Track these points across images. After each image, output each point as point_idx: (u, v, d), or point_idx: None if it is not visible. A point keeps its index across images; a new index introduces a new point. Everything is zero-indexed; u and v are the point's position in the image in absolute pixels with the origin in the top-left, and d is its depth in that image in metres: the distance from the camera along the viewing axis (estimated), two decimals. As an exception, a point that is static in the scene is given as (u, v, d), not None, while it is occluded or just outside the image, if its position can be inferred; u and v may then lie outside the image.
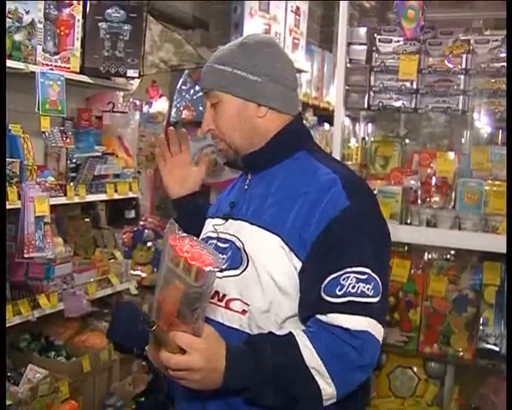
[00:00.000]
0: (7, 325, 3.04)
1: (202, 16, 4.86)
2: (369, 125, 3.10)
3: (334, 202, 1.57)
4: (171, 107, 4.97)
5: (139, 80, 4.33)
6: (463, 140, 2.92)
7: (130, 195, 3.89)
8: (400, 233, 2.75)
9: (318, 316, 1.54)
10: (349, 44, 2.84)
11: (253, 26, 4.91)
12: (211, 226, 1.80)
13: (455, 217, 2.69)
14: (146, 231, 4.76)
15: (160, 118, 4.98)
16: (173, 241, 1.43)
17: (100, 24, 3.51)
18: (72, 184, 3.43)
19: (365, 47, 2.82)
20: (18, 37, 3.13)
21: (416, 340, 2.80)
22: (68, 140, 3.61)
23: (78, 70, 3.48)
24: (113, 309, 2.92)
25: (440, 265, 2.83)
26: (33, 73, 3.16)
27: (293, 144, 1.72)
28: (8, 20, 3.03)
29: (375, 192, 2.82)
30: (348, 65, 2.84)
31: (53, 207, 3.42)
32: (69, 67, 3.43)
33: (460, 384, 2.89)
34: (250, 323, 1.60)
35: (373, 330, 1.53)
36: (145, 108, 5.13)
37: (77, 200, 3.48)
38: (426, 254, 2.90)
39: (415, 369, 2.95)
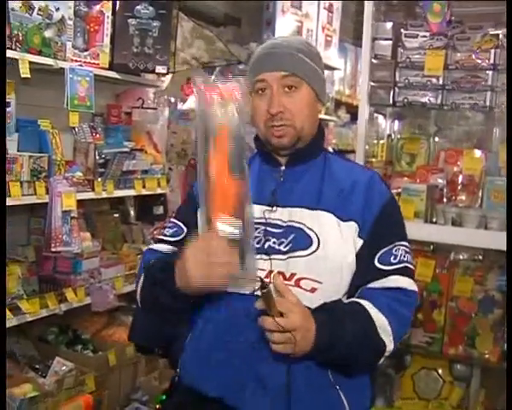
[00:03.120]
0: (34, 318, 3.09)
1: (234, 13, 4.85)
2: (396, 121, 3.05)
3: (381, 191, 1.84)
4: (202, 104, 4.97)
5: (170, 77, 4.36)
6: (492, 138, 2.85)
7: (159, 191, 3.91)
8: (425, 232, 2.70)
9: (374, 284, 1.76)
10: (374, 40, 2.80)
11: (285, 23, 4.89)
12: (257, 213, 1.78)
13: (481, 216, 2.63)
14: (177, 227, 4.77)
15: (191, 115, 4.98)
16: (206, 89, 1.50)
17: (129, 20, 3.53)
18: (100, 179, 3.45)
19: (391, 42, 2.78)
20: (48, 33, 3.17)
21: (440, 341, 2.75)
22: (97, 136, 3.64)
23: (107, 66, 3.51)
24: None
25: (466, 265, 2.77)
26: (62, 69, 3.20)
27: (322, 145, 1.92)
28: (38, 16, 3.07)
29: (399, 190, 2.79)
30: (373, 60, 2.80)
31: (81, 203, 3.46)
32: (98, 64, 3.46)
33: (486, 387, 2.82)
34: (318, 300, 1.71)
35: (416, 288, 1.82)
36: (179, 106, 5.15)
37: (105, 195, 3.50)
38: (452, 254, 2.83)
39: (440, 371, 2.90)
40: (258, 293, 1.53)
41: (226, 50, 4.65)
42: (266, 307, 1.51)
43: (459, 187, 2.69)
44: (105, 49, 3.48)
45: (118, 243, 3.90)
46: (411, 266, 1.83)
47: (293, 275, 1.72)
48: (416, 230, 2.71)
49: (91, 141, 3.53)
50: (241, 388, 1.70)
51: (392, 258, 1.78)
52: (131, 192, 3.73)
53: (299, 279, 1.72)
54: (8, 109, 3.11)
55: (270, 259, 1.73)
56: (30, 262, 3.24)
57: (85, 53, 3.39)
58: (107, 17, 3.46)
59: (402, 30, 2.76)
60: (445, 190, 2.72)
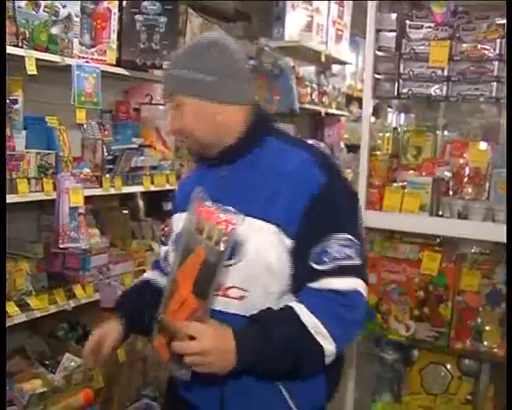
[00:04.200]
0: (43, 314, 3.10)
1: (244, 9, 4.84)
2: (402, 114, 3.02)
3: (313, 180, 1.69)
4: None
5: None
6: (499, 129, 2.81)
7: (168, 187, 3.91)
8: (431, 225, 2.67)
9: (310, 284, 1.67)
10: (379, 31, 2.77)
11: (295, 17, 4.87)
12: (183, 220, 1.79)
13: (488, 209, 2.60)
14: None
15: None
16: (199, 208, 1.55)
17: (136, 17, 3.53)
18: (108, 175, 3.46)
19: (395, 34, 2.75)
20: (54, 30, 3.18)
21: (446, 336, 2.71)
22: (106, 132, 3.66)
23: (114, 63, 3.52)
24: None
25: (474, 258, 2.73)
26: (69, 65, 3.21)
27: (262, 132, 1.81)
28: (44, 13, 3.08)
29: (405, 183, 2.77)
30: (378, 52, 2.77)
31: (90, 199, 3.46)
32: (105, 60, 3.47)
33: (495, 382, 2.79)
34: (248, 307, 1.69)
35: (360, 287, 1.69)
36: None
37: (113, 191, 3.51)
38: (458, 247, 2.80)
39: (448, 366, 2.87)
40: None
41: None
42: (171, 334, 1.55)
43: (465, 179, 2.66)
44: (112, 45, 3.48)
45: (127, 239, 3.91)
46: (348, 262, 1.68)
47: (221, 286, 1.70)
48: (422, 223, 2.70)
49: (99, 137, 3.54)
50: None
51: (324, 256, 1.67)
52: (140, 188, 3.74)
53: (228, 288, 1.70)
54: (15, 106, 3.13)
55: None
56: (39, 259, 3.24)
57: (92, 49, 3.40)
58: (114, 14, 3.47)
59: (406, 21, 2.73)
60: (450, 183, 2.69)
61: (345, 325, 1.67)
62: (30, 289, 3.07)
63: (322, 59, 5.21)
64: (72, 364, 3.23)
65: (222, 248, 1.52)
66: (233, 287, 1.69)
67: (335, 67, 5.91)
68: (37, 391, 2.99)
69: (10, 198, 2.89)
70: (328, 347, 1.63)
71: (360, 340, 2.87)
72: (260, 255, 1.67)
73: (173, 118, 1.79)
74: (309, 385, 1.75)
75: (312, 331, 1.62)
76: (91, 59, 3.36)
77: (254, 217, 1.68)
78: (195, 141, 1.79)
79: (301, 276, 1.69)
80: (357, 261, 1.69)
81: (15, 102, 3.13)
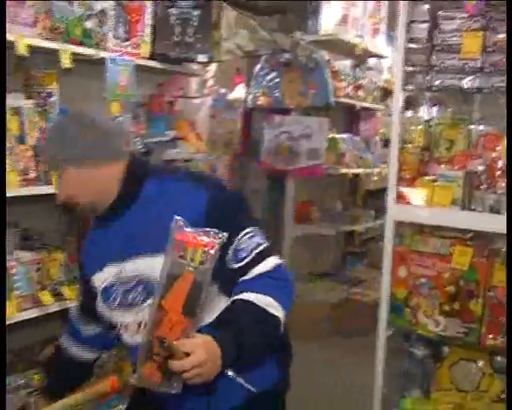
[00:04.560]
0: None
1: (279, 2, 4.83)
2: (434, 107, 2.97)
3: (197, 204, 1.85)
4: (247, 93, 4.98)
5: (215, 66, 4.38)
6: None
7: (201, 180, 3.92)
8: (462, 219, 2.63)
9: (242, 278, 1.85)
10: (411, 23, 2.73)
11: (330, 11, 4.84)
12: (107, 275, 1.99)
13: (521, 203, 2.54)
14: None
15: (237, 104, 5.01)
16: (179, 236, 1.65)
17: (170, 10, 3.56)
18: (141, 168, 3.49)
19: (427, 25, 2.70)
20: (89, 24, 3.22)
21: (477, 332, 2.66)
22: (140, 125, 3.70)
23: (148, 56, 3.55)
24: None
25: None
26: (103, 59, 3.25)
27: (141, 178, 1.95)
28: (79, 8, 3.12)
29: (436, 177, 2.73)
30: (409, 44, 2.73)
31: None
32: (139, 53, 3.50)
33: (528, 380, 2.73)
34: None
35: (279, 261, 1.92)
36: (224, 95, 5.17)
37: (146, 184, 3.54)
38: (491, 242, 2.75)
39: (479, 363, 2.82)
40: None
41: (271, 39, 4.64)
42: (171, 354, 1.63)
43: (498, 173, 2.60)
44: (146, 38, 3.52)
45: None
46: (261, 247, 1.88)
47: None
48: (453, 217, 2.66)
49: (133, 131, 3.58)
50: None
51: (241, 253, 1.85)
52: (173, 181, 3.76)
53: None
54: (51, 100, 3.18)
55: (135, 312, 1.93)
56: (71, 249, 3.28)
57: (126, 43, 3.43)
58: (148, 7, 3.50)
59: (439, 12, 2.68)
60: (483, 177, 2.63)
61: (285, 292, 1.88)
62: (62, 279, 3.12)
63: (358, 52, 5.16)
64: (103, 355, 3.28)
65: (208, 266, 1.64)
66: None
67: (372, 61, 5.86)
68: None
69: (45, 190, 2.94)
70: (281, 315, 1.83)
71: (389, 335, 2.84)
72: None
73: (59, 189, 1.95)
74: (260, 369, 1.95)
75: (268, 308, 1.80)
76: (125, 52, 3.39)
77: (159, 252, 1.76)
78: (83, 205, 1.93)
79: (228, 280, 1.86)
80: (266, 244, 1.90)
81: (50, 95, 3.18)
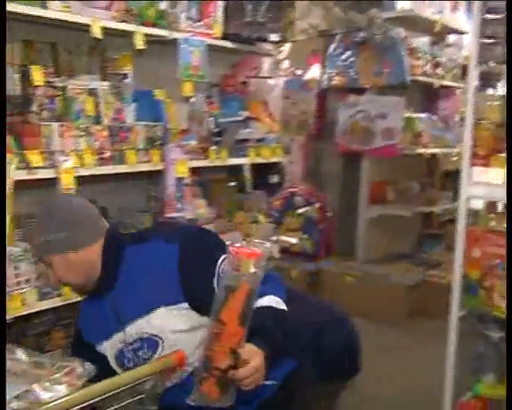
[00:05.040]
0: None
1: (354, -20, 4.75)
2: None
3: (168, 257, 2.02)
4: (323, 73, 4.93)
5: (289, 46, 4.36)
6: None
7: (273, 159, 3.94)
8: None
9: None
10: (489, -8, 2.62)
11: (406, -13, 4.73)
12: (113, 344, 2.12)
13: None
14: (297, 197, 4.79)
15: (312, 85, 4.97)
16: (233, 250, 1.78)
17: (242, -10, 3.56)
18: (214, 147, 3.53)
19: (506, -7, 2.59)
20: (162, 6, 3.27)
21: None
22: (213, 105, 3.73)
23: (220, 36, 3.57)
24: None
25: None
26: (176, 39, 3.29)
27: (119, 248, 2.08)
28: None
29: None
30: (486, 15, 2.62)
31: (197, 171, 3.56)
32: (212, 34, 3.53)
33: None
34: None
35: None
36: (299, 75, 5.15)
37: (218, 163, 3.58)
38: None
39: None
40: None
41: (345, 18, 4.57)
42: (233, 365, 1.74)
43: None
44: (218, 19, 3.54)
45: (234, 210, 3.97)
46: None
47: None
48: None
49: (207, 110, 3.61)
50: None
51: None
52: (245, 160, 3.79)
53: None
54: (126, 81, 3.26)
55: None
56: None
57: (199, 23, 3.47)
58: (220, -13, 3.52)
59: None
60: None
61: (277, 287, 2.04)
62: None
63: (437, 29, 5.03)
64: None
65: (259, 273, 1.76)
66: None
67: (451, 38, 5.68)
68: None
69: (120, 168, 3.02)
70: (285, 307, 1.98)
71: (462, 316, 2.77)
72: (173, 330, 2.01)
73: (52, 274, 2.08)
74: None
75: (278, 306, 1.96)
76: (198, 33, 3.43)
77: (150, 310, 2.01)
78: (74, 285, 2.11)
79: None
80: None
81: (125, 76, 3.26)
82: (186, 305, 2.01)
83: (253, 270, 1.76)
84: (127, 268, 2.07)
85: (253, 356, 1.77)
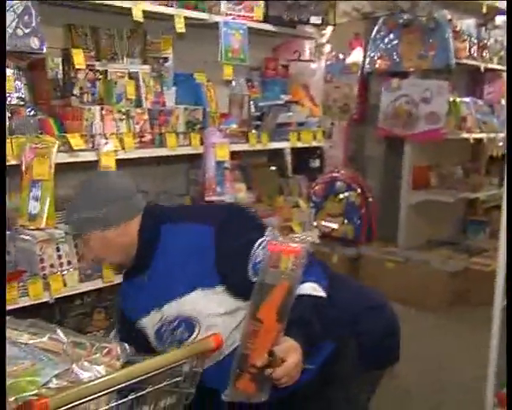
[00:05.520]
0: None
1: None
2: None
3: (206, 238, 2.00)
4: (365, 57, 4.87)
5: (331, 30, 4.31)
6: None
7: (314, 144, 3.90)
8: None
9: None
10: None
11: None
12: (153, 321, 2.13)
13: None
14: (338, 182, 4.75)
15: (354, 69, 4.92)
16: (272, 248, 1.78)
17: (283, -28, 3.52)
18: (254, 131, 3.51)
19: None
20: (214, -11, 3.25)
21: None
22: (254, 89, 3.71)
23: (261, 19, 3.54)
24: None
25: None
26: (217, 23, 3.27)
27: (157, 227, 2.08)
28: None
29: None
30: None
31: (238, 155, 3.54)
32: (253, 17, 3.50)
33: None
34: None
35: None
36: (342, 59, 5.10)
37: (259, 147, 3.56)
38: None
39: None
40: None
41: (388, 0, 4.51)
42: (270, 366, 1.71)
43: None
44: (259, 1, 3.50)
45: (274, 195, 3.95)
46: None
47: None
48: None
49: (247, 94, 3.59)
50: None
51: (259, 266, 1.90)
52: (286, 145, 3.76)
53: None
54: (166, 64, 3.26)
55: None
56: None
57: (240, 6, 3.44)
58: (261, -31, 3.48)
59: None
60: None
61: (319, 274, 2.00)
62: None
63: (484, 10, 4.91)
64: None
65: (299, 271, 1.74)
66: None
67: (499, 19, 5.54)
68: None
69: (160, 152, 3.03)
70: (325, 294, 1.95)
71: (505, 305, 2.71)
72: (210, 313, 2.01)
73: (86, 252, 2.15)
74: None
75: (316, 293, 1.92)
76: (238, 16, 3.40)
77: (188, 291, 2.01)
78: (111, 262, 2.21)
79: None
80: None
81: (166, 60, 3.26)
82: (222, 288, 2.01)
83: (292, 267, 1.73)
84: (164, 247, 2.06)
85: (291, 353, 1.75)
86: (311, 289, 1.92)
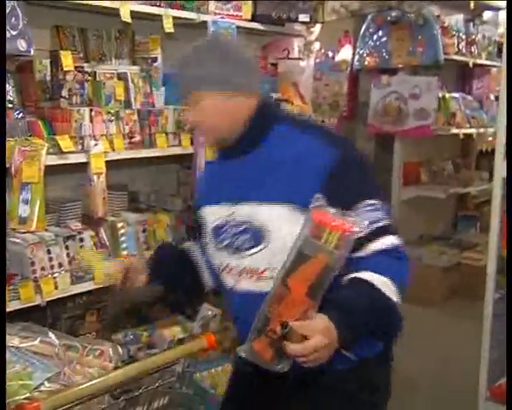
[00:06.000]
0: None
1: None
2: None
3: (325, 159, 1.77)
4: (354, 54, 4.86)
5: (320, 27, 4.31)
6: None
7: (304, 142, 3.90)
8: None
9: (356, 254, 1.70)
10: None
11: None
12: (217, 214, 1.94)
13: None
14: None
15: (343, 66, 4.91)
16: (317, 214, 1.57)
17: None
18: (244, 130, 3.50)
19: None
20: (191, -13, 3.25)
21: None
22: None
23: (249, 18, 3.54)
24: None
25: None
26: (205, 22, 3.27)
27: (270, 121, 1.88)
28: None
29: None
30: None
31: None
32: (241, 15, 3.51)
33: None
34: None
35: (398, 241, 1.78)
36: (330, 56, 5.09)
37: (249, 146, 3.55)
38: None
39: None
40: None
41: (376, -3, 4.51)
42: (289, 339, 1.54)
43: None
44: (248, 0, 3.50)
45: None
46: (381, 223, 1.75)
47: (254, 271, 1.86)
48: None
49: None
50: None
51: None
52: (276, 143, 3.75)
53: (261, 272, 1.84)
54: (155, 64, 3.25)
55: (240, 257, 1.87)
56: (178, 211, 3.36)
57: (228, 5, 3.44)
58: (249, -32, 3.48)
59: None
60: None
61: (403, 276, 1.76)
62: (169, 240, 3.19)
63: (472, 6, 4.92)
64: (209, 313, 3.35)
65: (343, 253, 1.56)
66: (266, 269, 1.83)
67: (487, 14, 5.56)
68: (177, 337, 3.13)
69: (150, 152, 3.02)
70: (397, 298, 1.71)
71: (498, 299, 2.73)
72: (287, 236, 1.73)
73: (192, 113, 1.91)
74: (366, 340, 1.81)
75: (386, 291, 1.68)
76: (227, 15, 3.40)
77: (275, 201, 1.78)
78: (213, 133, 1.91)
79: None
80: (388, 221, 1.78)
81: (155, 60, 3.25)
82: None
83: (335, 244, 1.55)
84: (270, 144, 1.87)
85: (316, 334, 1.54)
86: (382, 283, 1.69)
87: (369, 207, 1.74)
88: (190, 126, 1.95)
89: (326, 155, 1.78)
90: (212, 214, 1.97)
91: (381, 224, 1.75)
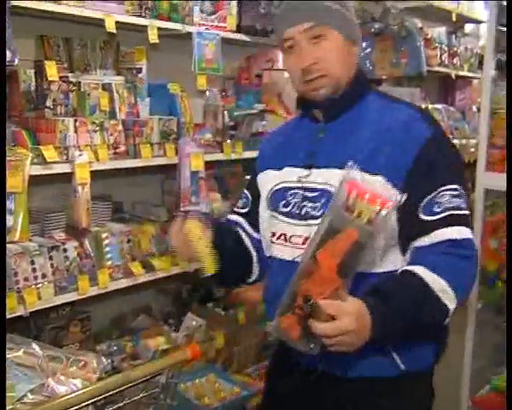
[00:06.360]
0: (165, 275, 3.20)
1: (369, -31, 4.70)
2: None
3: (418, 135, 1.69)
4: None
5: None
6: None
7: (289, 152, 3.91)
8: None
9: (422, 239, 1.64)
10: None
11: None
12: (285, 177, 1.83)
13: None
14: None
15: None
16: (350, 185, 1.46)
17: (257, -19, 3.54)
18: (229, 141, 3.51)
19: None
20: (176, -1, 3.26)
21: None
22: (228, 98, 3.72)
23: (234, 29, 3.56)
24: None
25: None
26: (190, 33, 3.28)
27: (364, 87, 1.83)
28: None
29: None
30: (504, 1, 2.59)
31: (213, 164, 3.55)
32: (226, 27, 3.52)
33: None
34: None
35: (472, 236, 1.67)
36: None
37: (233, 157, 3.56)
38: None
39: None
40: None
41: (360, 8, 4.53)
42: (315, 317, 1.45)
43: None
44: (232, 11, 3.52)
45: (250, 204, 3.95)
46: (460, 211, 1.65)
47: None
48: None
49: (221, 104, 3.60)
50: None
51: (435, 207, 1.64)
52: (260, 154, 3.76)
53: None
54: (140, 75, 3.25)
55: (306, 225, 1.73)
56: (163, 222, 3.35)
57: (213, 17, 3.44)
58: (234, -21, 3.50)
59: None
60: None
61: (466, 280, 1.66)
62: (153, 251, 3.18)
63: (454, 18, 4.98)
64: (194, 323, 3.37)
65: (376, 228, 1.45)
66: None
67: (468, 27, 5.64)
68: (161, 348, 3.13)
69: (134, 163, 3.02)
70: (452, 305, 1.60)
71: (480, 308, 2.75)
72: None
73: (309, 51, 1.72)
74: (418, 344, 1.75)
75: (440, 294, 1.57)
76: (211, 26, 3.42)
77: (364, 171, 1.58)
78: (331, 75, 1.75)
79: (409, 229, 1.67)
80: (466, 211, 1.68)
81: (140, 70, 3.25)
82: (399, 196, 1.61)
83: (367, 220, 1.44)
84: (362, 110, 1.78)
85: (344, 316, 1.43)
86: (439, 287, 1.57)
87: (452, 192, 1.66)
88: (309, 63, 1.70)
89: (419, 132, 1.69)
90: (277, 179, 1.86)
91: (457, 212, 1.65)
